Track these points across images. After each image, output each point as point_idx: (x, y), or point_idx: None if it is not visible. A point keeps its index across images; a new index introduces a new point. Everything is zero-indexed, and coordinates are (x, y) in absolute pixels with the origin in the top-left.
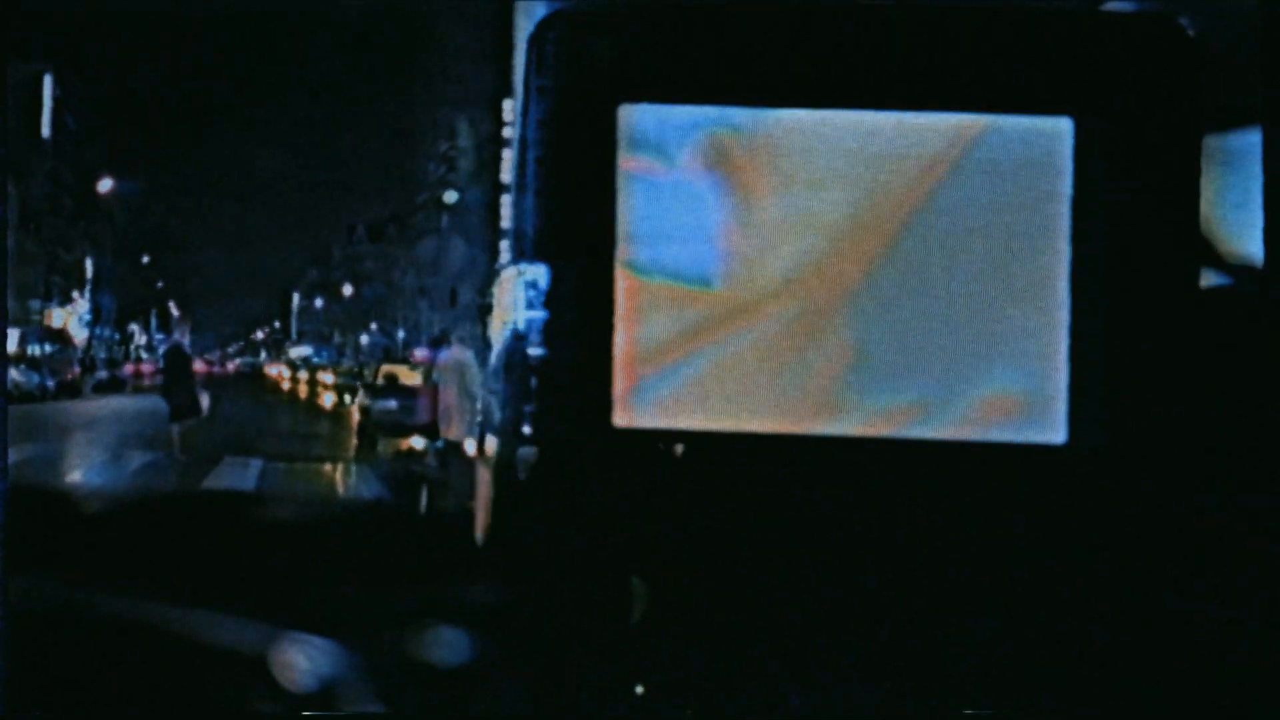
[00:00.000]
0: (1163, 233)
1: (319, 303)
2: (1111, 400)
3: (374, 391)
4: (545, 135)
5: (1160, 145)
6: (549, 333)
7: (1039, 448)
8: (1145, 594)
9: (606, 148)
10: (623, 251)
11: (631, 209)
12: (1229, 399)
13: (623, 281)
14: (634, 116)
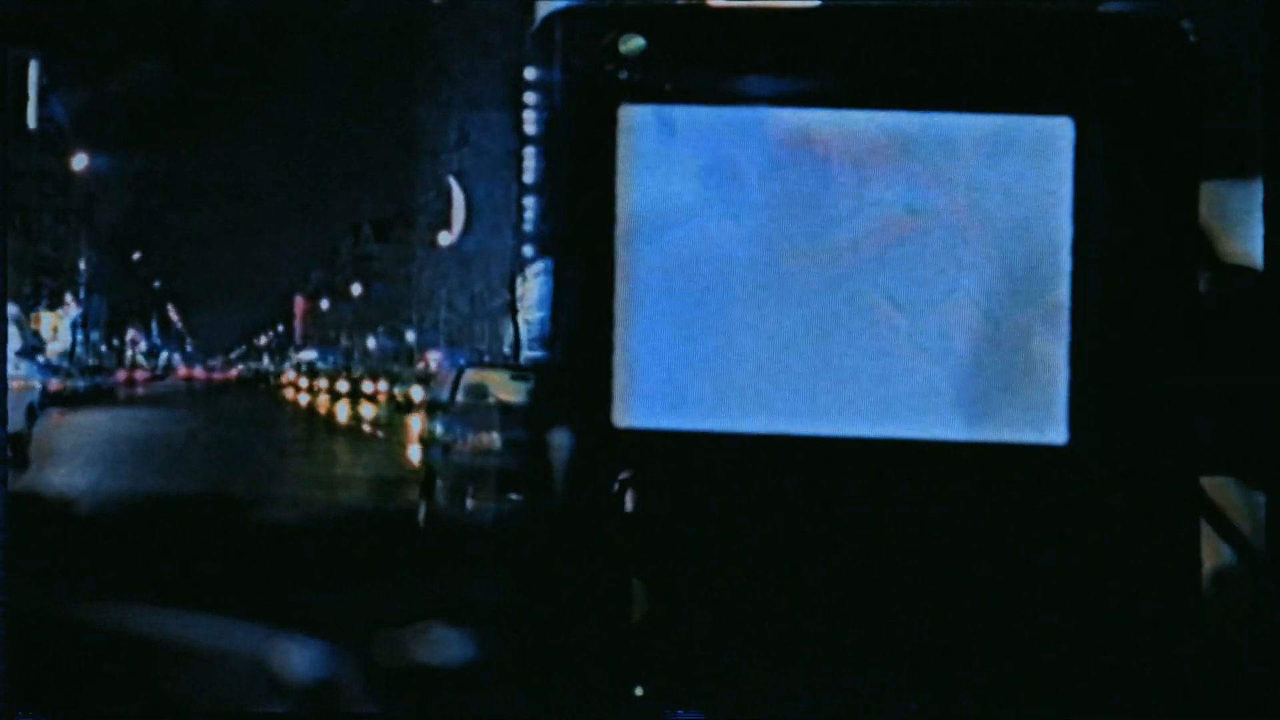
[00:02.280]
0: (1163, 233)
1: (325, 304)
2: (1111, 400)
3: (453, 416)
4: (547, 134)
5: (1160, 145)
6: (549, 332)
7: (1039, 448)
8: (1147, 594)
9: (608, 147)
10: (624, 251)
11: (633, 208)
12: (1230, 399)
13: (624, 281)
14: (635, 116)
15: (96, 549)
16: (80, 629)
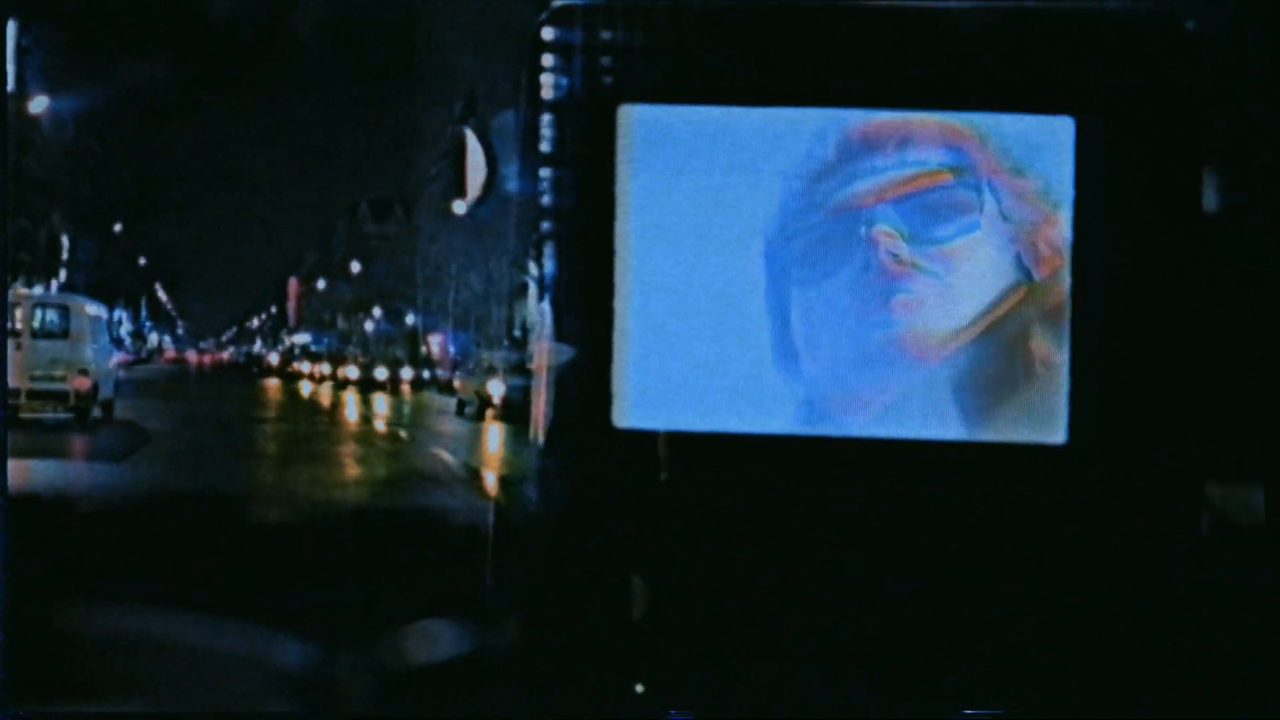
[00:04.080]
0: (1163, 233)
1: (321, 284)
2: (1111, 400)
3: None
4: (545, 134)
5: (1161, 145)
6: (550, 332)
7: (1039, 448)
8: (1146, 594)
9: (607, 147)
10: (624, 251)
11: (632, 208)
12: (1229, 399)
13: (624, 281)
14: (634, 116)
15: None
16: (81, 624)
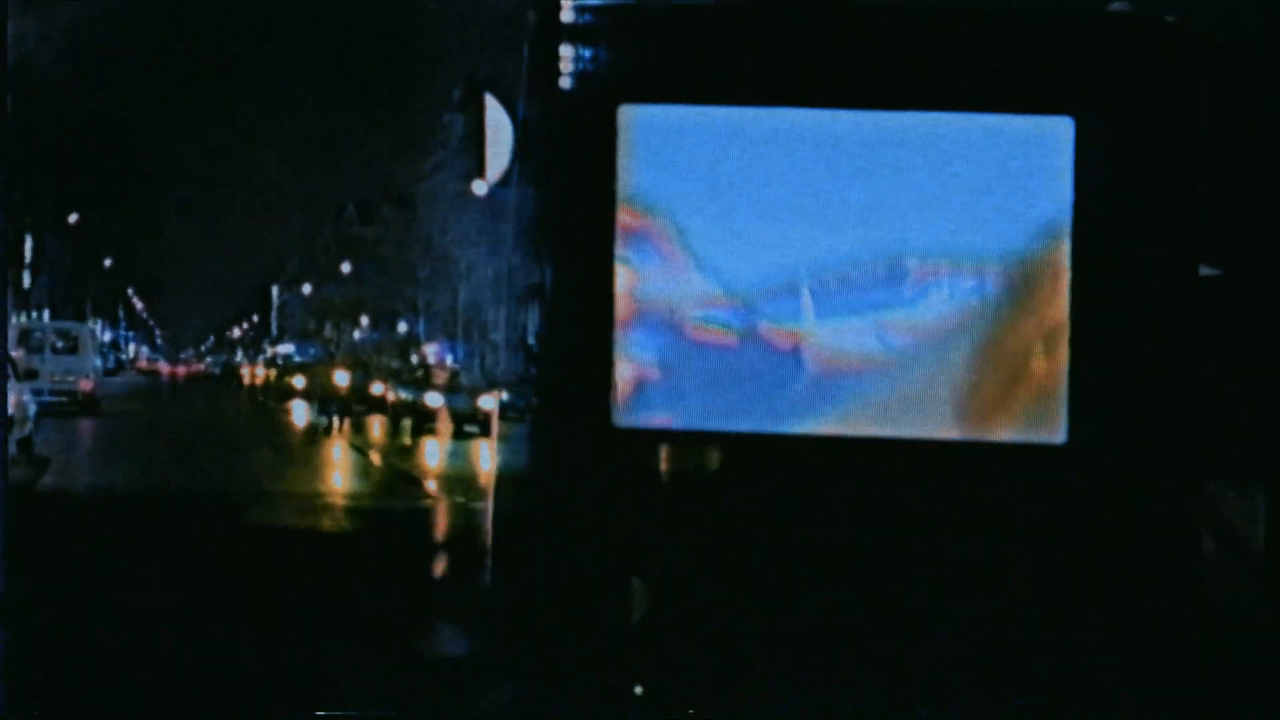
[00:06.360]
0: (1162, 232)
1: (306, 289)
2: (1111, 400)
3: None
4: (546, 135)
5: (1160, 145)
6: (550, 332)
7: (1039, 447)
8: (1145, 592)
9: (607, 148)
10: (623, 252)
11: (633, 208)
12: (1228, 398)
13: (624, 282)
14: (634, 116)
15: None
16: (84, 625)
